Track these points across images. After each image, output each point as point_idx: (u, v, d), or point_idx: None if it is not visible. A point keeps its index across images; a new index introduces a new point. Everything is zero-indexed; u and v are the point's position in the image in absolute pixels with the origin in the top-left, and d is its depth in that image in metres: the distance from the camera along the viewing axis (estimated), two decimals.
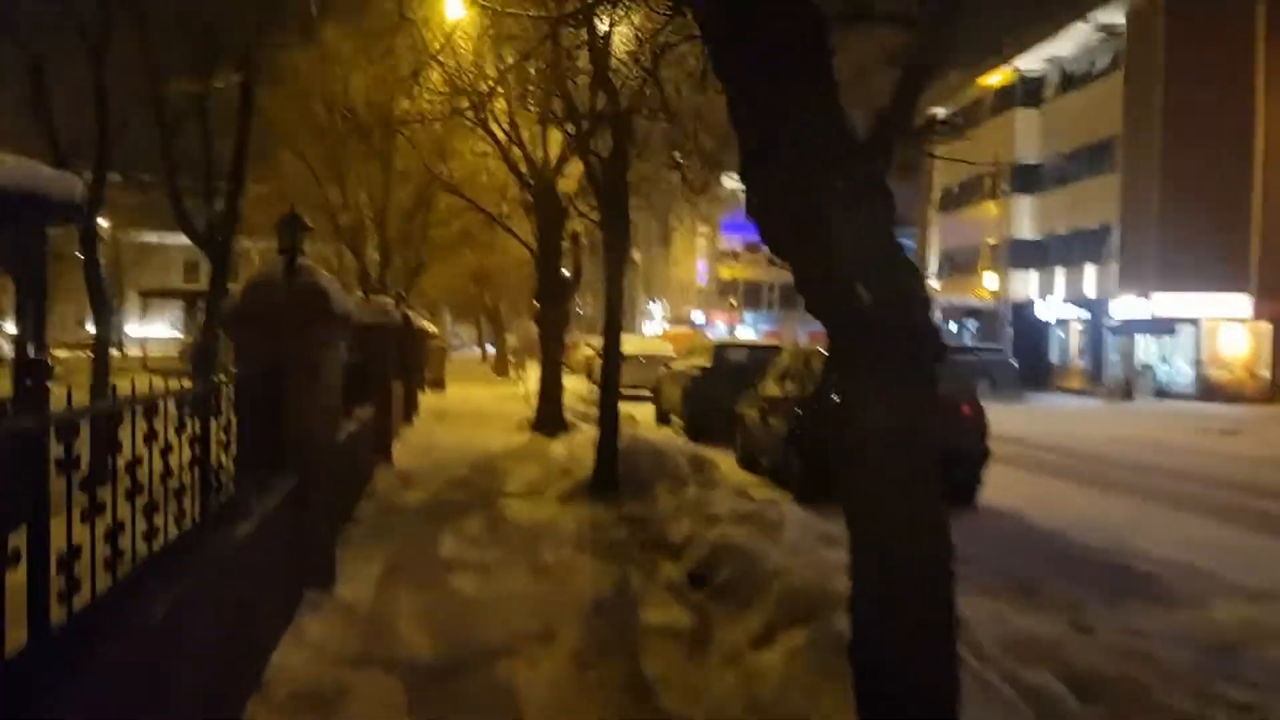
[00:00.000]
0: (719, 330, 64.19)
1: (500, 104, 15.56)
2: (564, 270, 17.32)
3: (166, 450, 3.53)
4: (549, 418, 17.25)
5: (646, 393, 23.78)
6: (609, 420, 10.58)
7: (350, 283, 27.08)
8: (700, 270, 65.75)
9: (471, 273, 31.09)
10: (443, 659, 5.25)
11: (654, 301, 78.52)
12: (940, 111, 48.67)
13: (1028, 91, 41.52)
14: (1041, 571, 7.42)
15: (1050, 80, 40.84)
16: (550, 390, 17.39)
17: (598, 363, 26.72)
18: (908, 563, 3.54)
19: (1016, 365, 36.15)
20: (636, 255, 58.17)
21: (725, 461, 12.41)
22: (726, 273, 61.60)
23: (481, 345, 55.99)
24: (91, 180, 9.77)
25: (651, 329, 68.59)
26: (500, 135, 16.18)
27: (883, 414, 3.47)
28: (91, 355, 13.54)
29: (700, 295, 66.86)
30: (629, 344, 28.48)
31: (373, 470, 10.87)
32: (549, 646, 5.49)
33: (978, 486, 9.89)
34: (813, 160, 3.56)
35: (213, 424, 4.47)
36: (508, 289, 33.24)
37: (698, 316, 67.21)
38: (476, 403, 23.40)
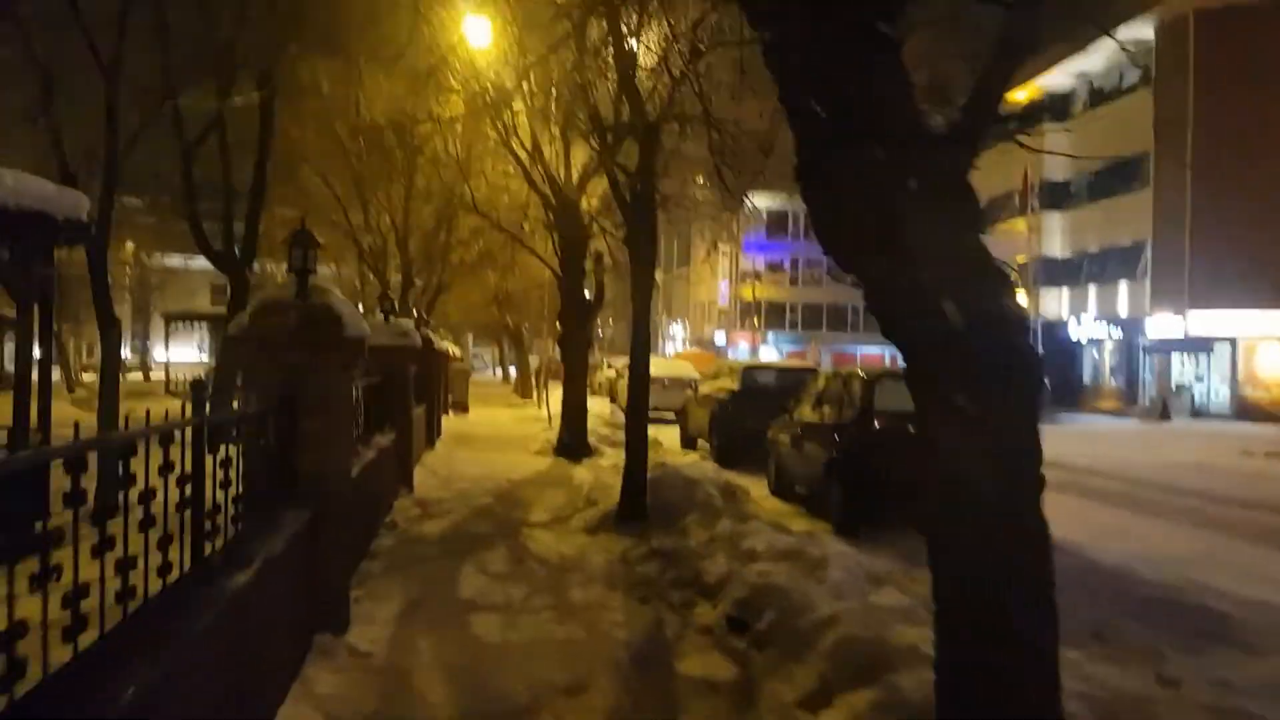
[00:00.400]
0: (741, 351, 63.68)
1: (522, 119, 15.24)
2: (586, 291, 16.91)
3: (147, 495, 3.08)
4: (573, 442, 16.80)
5: (670, 415, 23.31)
6: (637, 447, 10.10)
7: (372, 305, 26.85)
8: (722, 290, 65.26)
9: (493, 294, 30.75)
10: (464, 717, 4.77)
11: (675, 322, 78.14)
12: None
13: (1055, 108, 40.93)
14: (1111, 612, 6.85)
15: (1079, 96, 40.24)
16: (573, 413, 16.95)
17: (620, 384, 26.34)
18: (1005, 620, 3.03)
19: (1048, 385, 35.44)
20: (658, 275, 58.03)
21: (756, 488, 11.90)
22: (749, 293, 61.07)
23: (504, 367, 55.67)
24: (101, 197, 9.40)
25: (672, 350, 68.15)
26: (522, 153, 15.84)
27: (977, 454, 2.97)
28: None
29: (722, 316, 66.37)
30: (652, 366, 28.06)
31: (393, 499, 10.43)
32: (578, 701, 5.00)
33: None
34: (886, 155, 3.09)
35: (212, 459, 4.05)
36: (529, 310, 32.87)
37: (719, 337, 66.72)
38: (499, 426, 22.97)
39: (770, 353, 63.41)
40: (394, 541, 8.83)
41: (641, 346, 10.38)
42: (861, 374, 10.05)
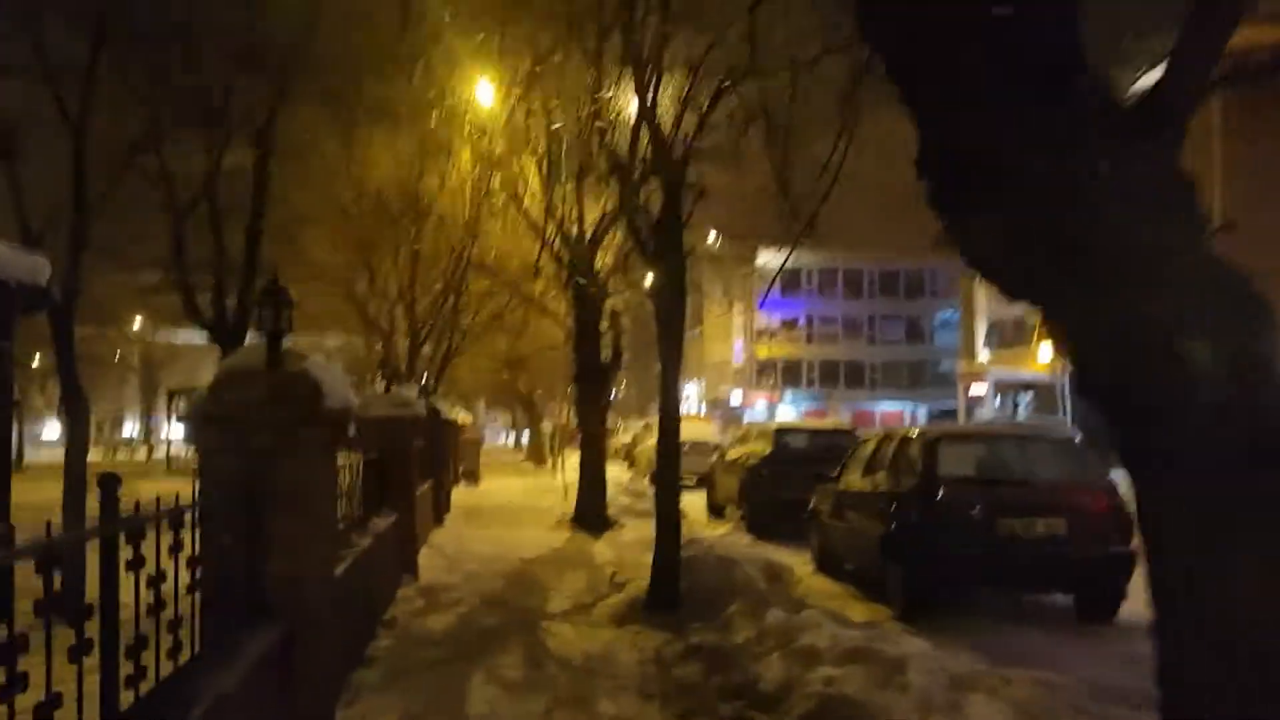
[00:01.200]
0: (759, 412, 62.48)
1: (530, 170, 14.46)
2: (604, 351, 15.94)
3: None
4: (591, 513, 15.70)
5: (691, 481, 22.19)
6: (668, 524, 9.00)
7: (374, 374, 25.98)
8: (737, 349, 64.33)
9: (504, 359, 29.84)
10: None
11: (689, 382, 77.09)
12: None
13: None
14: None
15: None
16: (591, 482, 15.87)
17: (638, 450, 25.26)
18: None
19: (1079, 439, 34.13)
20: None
21: (798, 562, 10.77)
22: (765, 351, 60.12)
23: (516, 433, 54.62)
24: (67, 261, 8.50)
25: (686, 411, 67.06)
26: (531, 206, 15.04)
27: (1255, 569, 1.93)
28: (110, 458, 12.42)
29: (738, 375, 65.34)
30: None
31: (394, 589, 9.33)
32: None
33: (1122, 600, 8.15)
34: (1069, 136, 2.10)
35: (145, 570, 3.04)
36: (542, 374, 31.95)
37: (735, 397, 65.61)
38: (512, 496, 21.86)
39: (788, 412, 62.21)
40: (393, 642, 7.72)
41: (671, 409, 9.35)
42: (921, 435, 8.94)
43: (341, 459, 6.89)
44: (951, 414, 62.43)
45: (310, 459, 5.07)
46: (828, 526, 10.22)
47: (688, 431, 25.97)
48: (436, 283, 21.84)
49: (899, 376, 64.22)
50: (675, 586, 8.75)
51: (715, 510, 16.39)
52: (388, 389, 10.35)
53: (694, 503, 18.63)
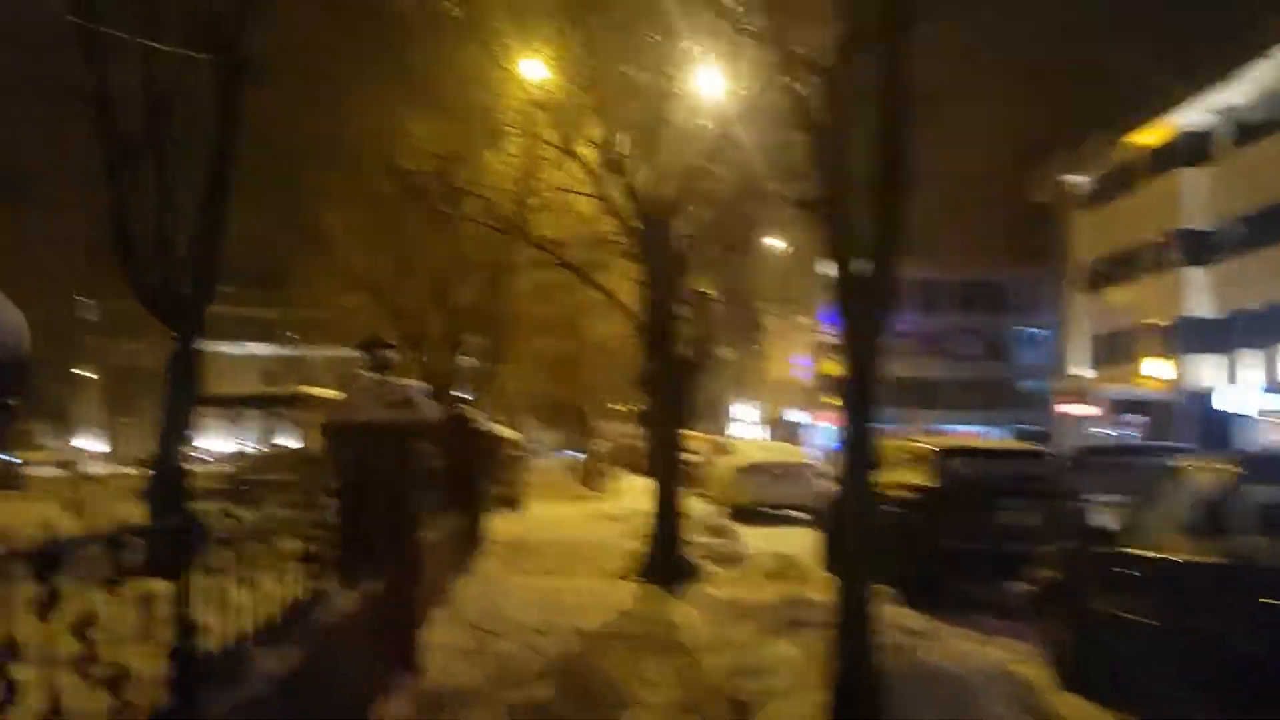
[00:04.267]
0: (826, 433, 58.17)
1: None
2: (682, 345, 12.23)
3: None
4: (665, 558, 11.94)
5: (797, 515, 18.39)
6: (858, 613, 5.17)
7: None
8: (802, 365, 60.08)
9: (553, 366, 26.23)
10: None
11: (746, 402, 72.69)
12: (1081, 179, 43.26)
13: (1192, 148, 35.78)
14: None
15: (1220, 134, 35.08)
16: (665, 517, 12.11)
17: (710, 471, 21.46)
18: None
19: None
20: (728, 352, 52.87)
21: (1004, 653, 6.96)
22: (831, 368, 55.80)
23: (567, 452, 50.98)
24: None
25: (740, 432, 62.77)
26: (587, 154, 11.48)
27: None
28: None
29: (803, 393, 61.10)
30: (751, 449, 23.12)
31: (367, 703, 5.65)
32: None
33: None
34: None
35: None
36: (597, 384, 28.31)
37: (799, 416, 61.37)
38: (562, 527, 18.14)
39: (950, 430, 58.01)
40: None
41: (864, 397, 5.59)
42: None
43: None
44: (1035, 436, 57.69)
45: None
46: (1100, 620, 6.15)
47: (770, 452, 22.24)
48: (481, 271, 18.37)
49: (977, 395, 59.61)
50: (877, 712, 4.94)
51: (838, 561, 12.39)
52: (383, 377, 6.73)
53: (789, 541, 14.84)
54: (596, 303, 18.26)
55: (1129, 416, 37.87)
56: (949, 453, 10.04)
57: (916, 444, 10.37)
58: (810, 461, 20.12)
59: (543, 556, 13.97)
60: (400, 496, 6.80)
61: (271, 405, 22.88)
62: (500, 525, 18.06)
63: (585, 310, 19.26)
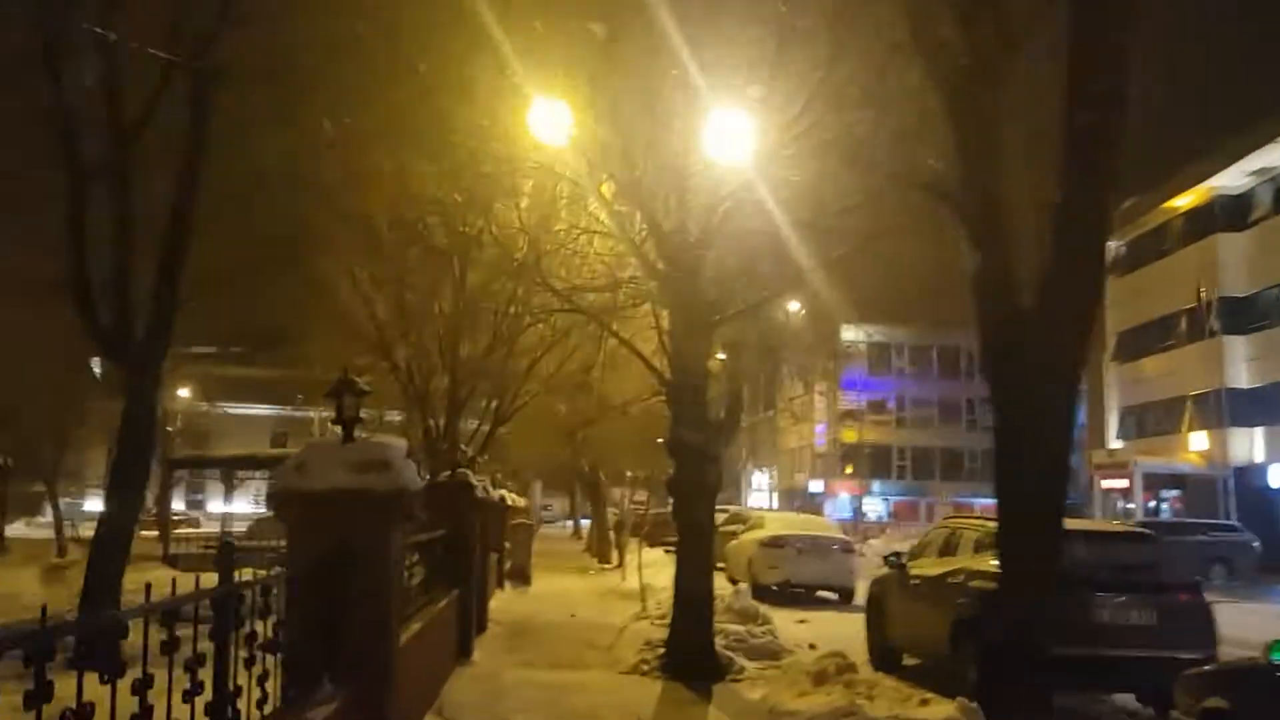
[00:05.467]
0: (842, 505, 56.31)
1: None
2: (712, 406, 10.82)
3: None
4: (692, 648, 10.36)
5: (823, 592, 16.77)
6: None
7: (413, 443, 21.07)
8: (819, 434, 58.40)
9: (563, 428, 24.73)
10: None
11: (760, 470, 70.86)
12: (1110, 244, 42.03)
13: (1229, 211, 34.56)
14: None
15: (1259, 196, 33.88)
16: (692, 604, 10.54)
17: (734, 546, 19.78)
18: None
19: (1259, 547, 27.98)
20: (744, 418, 51.48)
21: None
22: (852, 435, 54.09)
23: (574, 520, 49.15)
24: None
25: (757, 502, 60.83)
26: (605, 191, 10.22)
27: None
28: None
29: (818, 462, 59.32)
30: (774, 520, 21.41)
31: None
32: None
33: None
34: None
35: None
36: (608, 448, 26.78)
37: (815, 485, 59.51)
38: (573, 606, 16.51)
39: (877, 505, 56.04)
40: None
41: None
42: None
43: None
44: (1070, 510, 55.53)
45: None
46: None
47: (796, 524, 20.58)
48: (486, 327, 17.01)
49: None
50: None
51: (884, 654, 10.71)
52: (346, 436, 5.30)
53: (831, 629, 13.29)
54: (611, 359, 16.87)
55: (1171, 493, 36.02)
56: None
57: (987, 523, 8.85)
58: (842, 535, 18.44)
59: (550, 642, 12.37)
60: (373, 583, 5.34)
61: (259, 466, 21.47)
62: (505, 603, 16.47)
63: (599, 368, 17.86)
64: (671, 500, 11.26)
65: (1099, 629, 7.45)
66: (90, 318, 8.43)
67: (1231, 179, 34.05)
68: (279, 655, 4.18)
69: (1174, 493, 36.47)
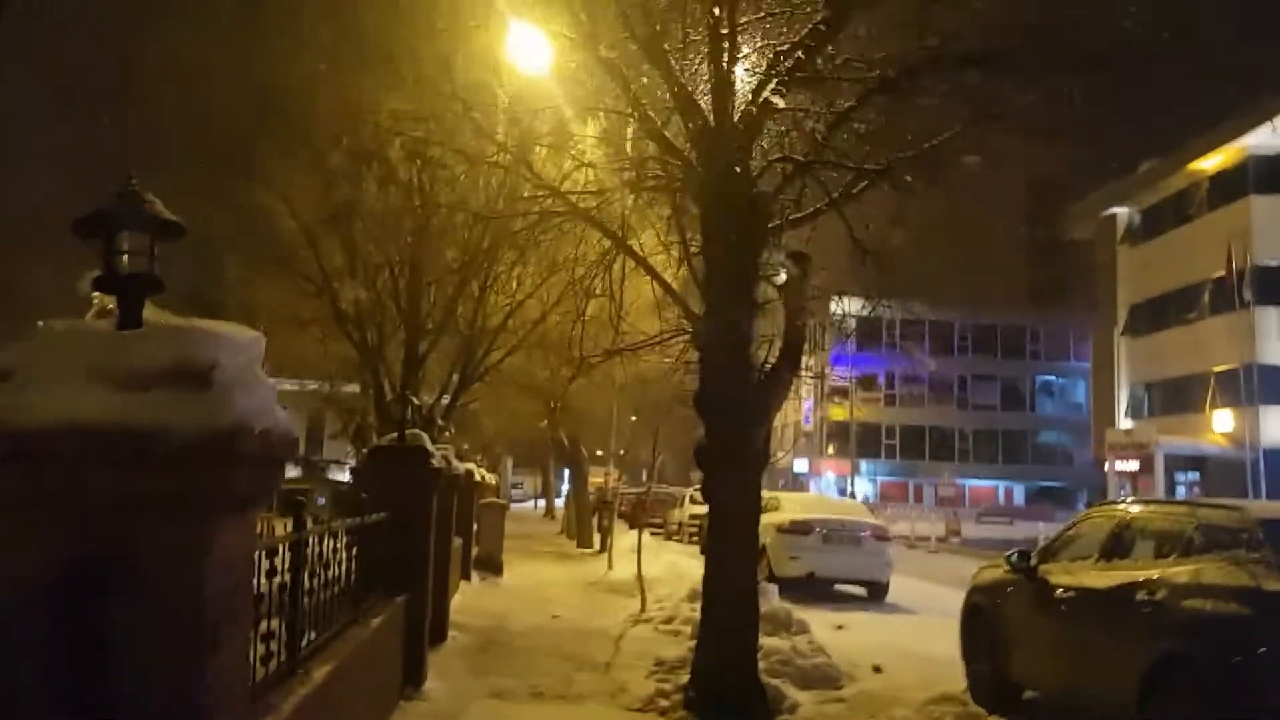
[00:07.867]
0: (827, 484, 53.88)
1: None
2: (761, 345, 7.86)
3: None
4: (728, 676, 7.46)
5: (858, 591, 14.03)
6: None
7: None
8: (805, 411, 55.74)
9: (542, 396, 21.73)
10: None
11: None
12: (1123, 211, 39.45)
13: (1264, 172, 32.01)
14: None
15: None
16: (729, 614, 7.62)
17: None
18: None
19: None
20: None
21: None
22: (842, 413, 51.48)
23: (548, 498, 46.22)
24: None
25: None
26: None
27: None
28: None
29: (804, 441, 56.69)
30: (794, 502, 18.55)
31: None
32: None
33: None
34: None
35: None
36: (593, 418, 23.83)
37: (800, 465, 56.96)
38: (553, 603, 13.59)
39: (864, 485, 53.52)
40: None
41: None
42: None
43: None
44: (1054, 494, 53.43)
45: None
46: None
47: (821, 507, 17.80)
48: (456, 244, 13.96)
49: (993, 447, 55.38)
50: None
51: (989, 686, 7.74)
52: (126, 323, 2.21)
53: (870, 640, 10.55)
54: (597, 312, 13.82)
55: (1188, 475, 33.59)
56: (1273, 523, 5.52)
57: (1194, 510, 5.99)
58: (873, 520, 15.60)
59: (529, 657, 9.45)
60: (174, 622, 2.38)
61: None
62: (472, 599, 13.51)
63: (601, 286, 14.89)
64: (700, 475, 8.31)
65: None
66: None
67: (1266, 137, 31.48)
68: None
69: (1192, 475, 34.08)
